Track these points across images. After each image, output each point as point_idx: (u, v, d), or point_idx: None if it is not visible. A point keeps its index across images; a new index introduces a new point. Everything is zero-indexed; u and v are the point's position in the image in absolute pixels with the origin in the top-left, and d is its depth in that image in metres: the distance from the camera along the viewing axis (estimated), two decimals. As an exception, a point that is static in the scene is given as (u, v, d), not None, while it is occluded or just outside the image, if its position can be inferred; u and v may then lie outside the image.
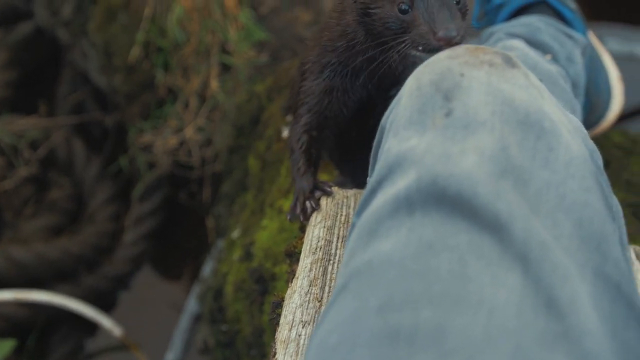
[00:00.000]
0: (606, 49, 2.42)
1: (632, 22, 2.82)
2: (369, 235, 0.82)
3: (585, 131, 0.99)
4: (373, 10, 1.10)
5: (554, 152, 0.83)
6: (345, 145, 1.34)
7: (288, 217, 1.25)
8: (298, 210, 1.23)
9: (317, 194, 1.23)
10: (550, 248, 0.75)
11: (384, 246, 0.79)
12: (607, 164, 1.68)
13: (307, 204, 1.22)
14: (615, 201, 0.95)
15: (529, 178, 0.80)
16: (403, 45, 1.06)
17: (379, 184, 0.87)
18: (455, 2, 1.06)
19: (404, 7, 1.05)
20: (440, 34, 1.01)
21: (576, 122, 0.97)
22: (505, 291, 0.71)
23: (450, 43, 1.01)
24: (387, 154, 0.88)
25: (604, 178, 0.93)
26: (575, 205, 0.81)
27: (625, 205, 1.63)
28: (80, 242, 2.29)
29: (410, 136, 0.86)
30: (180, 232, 2.50)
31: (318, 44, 1.25)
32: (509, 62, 0.90)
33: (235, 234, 1.82)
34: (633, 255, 1.25)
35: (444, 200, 0.78)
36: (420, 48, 1.05)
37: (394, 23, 1.07)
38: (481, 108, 0.83)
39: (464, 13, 1.09)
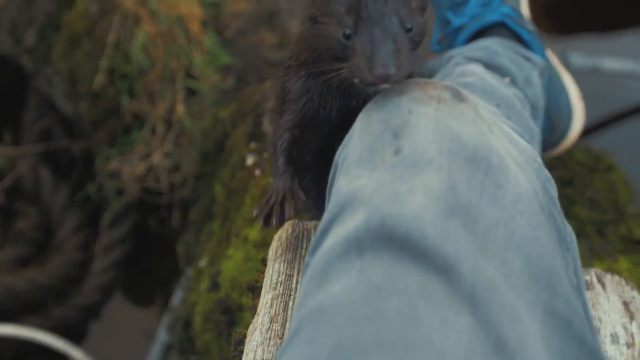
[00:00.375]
0: (570, 63, 2.44)
1: (596, 31, 2.85)
2: (320, 278, 0.81)
3: (540, 160, 0.99)
4: (320, 26, 1.04)
5: (502, 188, 0.83)
6: (326, 161, 1.23)
7: (254, 214, 1.21)
8: (264, 211, 1.19)
9: (290, 200, 1.17)
10: (499, 287, 0.75)
11: (334, 289, 0.78)
12: (571, 182, 1.70)
13: (275, 208, 1.18)
14: (569, 230, 0.95)
15: (477, 216, 0.80)
16: (341, 71, 1.00)
17: (330, 223, 0.86)
18: (405, 29, 0.99)
19: (347, 31, 0.98)
20: (377, 71, 0.93)
21: (529, 152, 0.97)
22: (454, 334, 0.71)
23: (387, 81, 0.93)
24: (337, 192, 0.87)
25: (556, 209, 0.93)
26: (524, 242, 0.81)
27: (589, 223, 1.65)
28: (48, 272, 2.26)
29: (360, 174, 0.86)
30: (150, 259, 2.48)
31: (298, 36, 1.18)
32: (458, 97, 0.90)
33: (203, 262, 1.80)
34: (594, 278, 1.25)
35: (392, 241, 0.77)
36: (356, 80, 0.97)
37: (337, 45, 1.01)
38: (429, 146, 0.83)
39: (416, 41, 1.02)
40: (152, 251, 2.49)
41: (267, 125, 1.67)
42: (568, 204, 1.65)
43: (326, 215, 0.88)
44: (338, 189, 0.88)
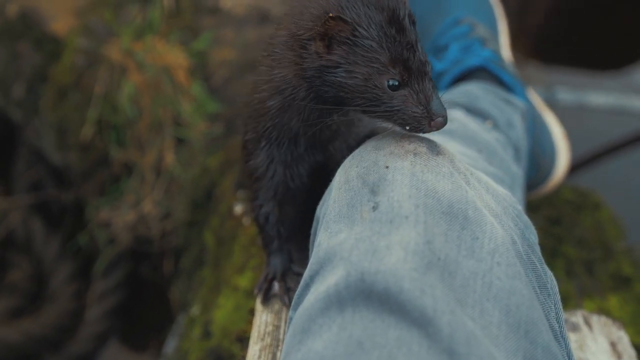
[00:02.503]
0: (557, 99, 2.47)
1: (582, 67, 2.88)
2: (302, 334, 0.82)
3: (519, 207, 1.01)
4: (343, 77, 0.99)
5: (478, 240, 0.84)
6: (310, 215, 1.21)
7: (254, 292, 1.23)
8: (261, 289, 1.21)
9: (288, 281, 1.20)
10: (477, 339, 0.76)
11: (316, 345, 0.79)
12: (558, 221, 1.71)
13: (275, 284, 1.20)
14: (549, 276, 0.96)
15: (455, 269, 0.81)
16: (382, 116, 0.98)
17: (312, 279, 0.87)
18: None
19: (392, 82, 0.97)
20: (438, 120, 0.95)
21: (508, 199, 0.99)
22: None
23: (441, 128, 0.96)
24: (318, 248, 0.88)
25: (536, 255, 0.94)
26: (502, 292, 0.82)
27: (578, 261, 1.65)
28: (42, 323, 2.26)
29: (339, 230, 0.87)
30: (143, 306, 2.47)
31: (250, 105, 1.15)
32: (434, 150, 0.91)
33: (195, 310, 1.80)
34: (581, 320, 1.25)
35: (372, 296, 0.78)
36: (407, 128, 0.96)
37: (375, 95, 0.98)
38: (405, 201, 0.84)
39: None
40: (145, 299, 2.48)
41: (238, 210, 1.67)
42: (556, 243, 1.66)
43: (307, 271, 0.89)
44: (318, 244, 0.89)
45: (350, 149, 1.03)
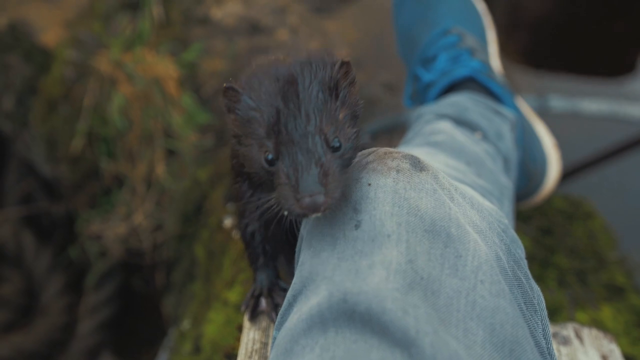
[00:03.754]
0: (550, 106, 2.46)
1: (573, 73, 2.88)
2: (285, 355, 0.81)
3: (506, 221, 0.99)
4: (243, 148, 0.94)
5: (462, 259, 0.83)
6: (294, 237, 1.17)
7: (241, 309, 1.22)
8: (248, 306, 1.20)
9: (275, 297, 1.17)
10: (461, 359, 0.75)
11: (299, 367, 0.78)
12: (550, 231, 1.70)
13: (262, 301, 1.19)
14: (536, 292, 0.95)
15: (438, 288, 0.80)
16: (270, 202, 0.90)
17: (295, 298, 0.86)
18: (332, 148, 0.89)
19: (269, 156, 0.89)
20: (304, 202, 0.83)
21: (495, 214, 0.98)
22: None
23: (316, 211, 0.84)
24: (301, 267, 0.87)
25: (522, 271, 0.93)
26: (486, 311, 0.81)
27: (570, 272, 1.64)
28: (33, 337, 2.24)
29: (322, 249, 0.86)
30: (135, 319, 2.46)
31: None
32: (417, 166, 0.90)
33: (186, 324, 1.79)
34: (572, 333, 1.24)
35: (354, 317, 0.77)
36: (285, 213, 0.87)
37: (260, 171, 0.91)
38: (387, 220, 0.83)
39: (346, 158, 0.91)
40: (137, 311, 2.47)
41: (227, 223, 1.66)
42: (548, 253, 1.65)
43: (290, 291, 0.88)
44: (301, 263, 0.88)
45: None
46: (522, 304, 0.88)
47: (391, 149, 0.94)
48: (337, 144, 0.89)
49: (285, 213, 0.87)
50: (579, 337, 1.24)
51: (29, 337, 2.25)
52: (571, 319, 1.53)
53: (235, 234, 1.60)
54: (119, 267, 2.34)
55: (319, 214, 0.84)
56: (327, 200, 0.83)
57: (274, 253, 1.18)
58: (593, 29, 2.94)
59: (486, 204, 0.99)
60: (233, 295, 1.57)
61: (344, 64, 0.92)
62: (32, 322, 2.33)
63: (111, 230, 2.18)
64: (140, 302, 2.44)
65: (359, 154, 0.96)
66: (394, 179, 0.87)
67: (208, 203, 1.83)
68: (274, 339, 0.90)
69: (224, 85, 0.92)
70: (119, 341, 2.43)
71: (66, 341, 2.32)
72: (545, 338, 0.90)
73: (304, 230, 0.95)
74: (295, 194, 0.84)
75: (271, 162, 0.89)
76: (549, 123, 1.74)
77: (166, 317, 2.17)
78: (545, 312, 0.95)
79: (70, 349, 2.30)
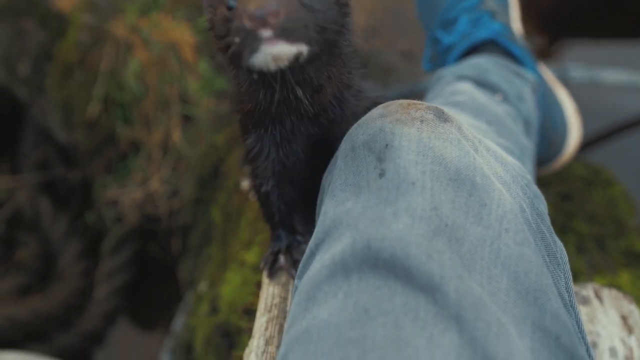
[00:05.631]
0: (570, 76, 2.44)
1: (593, 41, 2.85)
2: (308, 301, 0.81)
3: (529, 177, 0.99)
4: (211, 17, 0.86)
5: (486, 207, 0.83)
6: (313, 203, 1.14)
7: (260, 266, 1.23)
8: (267, 262, 1.20)
9: (294, 253, 1.17)
10: (485, 305, 0.74)
11: (321, 312, 0.78)
12: (569, 197, 1.69)
13: (281, 257, 1.19)
14: (559, 246, 0.94)
15: (462, 235, 0.80)
16: (235, 58, 0.82)
17: (317, 247, 0.86)
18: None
19: (230, 2, 0.81)
20: (250, 11, 0.74)
21: (517, 169, 0.97)
22: (441, 353, 0.71)
23: (264, 23, 0.75)
24: (324, 216, 0.87)
25: (545, 225, 0.92)
26: (510, 259, 0.80)
27: (589, 237, 1.64)
28: (50, 301, 2.26)
29: (346, 198, 0.86)
30: (151, 284, 2.47)
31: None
32: (441, 117, 0.90)
33: (202, 286, 1.80)
34: (592, 293, 1.24)
35: (378, 263, 0.77)
36: (245, 53, 0.78)
37: (223, 28, 0.83)
38: (412, 168, 0.82)
39: (322, 12, 0.84)
40: (154, 277, 2.48)
41: (245, 185, 1.66)
42: (567, 218, 1.64)
43: (313, 239, 0.88)
44: (324, 213, 0.88)
45: (349, 120, 1.00)
46: (546, 256, 0.88)
47: (414, 101, 0.94)
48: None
49: (246, 54, 0.79)
50: (598, 297, 1.23)
51: (47, 301, 2.26)
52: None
53: (252, 196, 1.60)
54: (135, 233, 2.35)
55: (270, 34, 0.76)
56: (279, 13, 0.75)
57: (291, 210, 1.18)
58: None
59: (509, 158, 0.99)
60: (250, 256, 1.57)
61: None
62: (49, 286, 2.35)
63: (127, 196, 2.19)
64: (157, 268, 2.45)
65: (380, 105, 0.95)
66: (417, 128, 0.87)
67: (225, 166, 1.83)
68: (296, 288, 0.90)
69: None
70: (136, 306, 2.45)
71: (83, 305, 2.34)
72: (567, 291, 0.90)
73: (326, 181, 0.95)
74: (244, 12, 0.76)
75: (231, 8, 0.81)
76: (570, 90, 1.73)
77: (182, 283, 2.18)
78: (568, 267, 0.95)
79: (87, 313, 2.31)
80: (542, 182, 1.68)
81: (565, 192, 1.70)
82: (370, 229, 0.79)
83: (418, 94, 2.09)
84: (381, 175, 0.84)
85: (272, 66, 0.82)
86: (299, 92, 0.93)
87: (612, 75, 2.52)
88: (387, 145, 0.85)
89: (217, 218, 1.82)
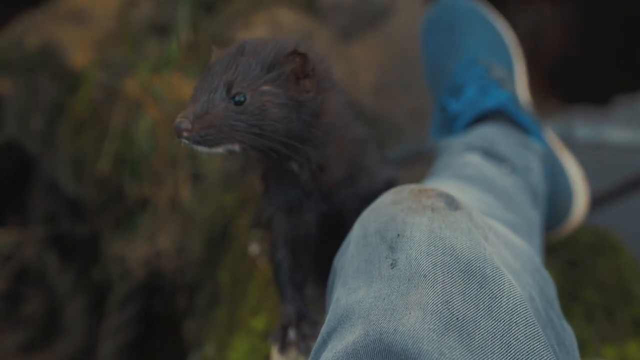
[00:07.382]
0: (576, 135, 2.45)
1: (598, 101, 2.87)
2: (320, 393, 0.81)
3: (538, 260, 1.00)
4: None
5: (497, 300, 0.83)
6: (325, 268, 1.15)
7: (270, 340, 1.21)
8: (277, 338, 1.19)
9: (304, 327, 1.15)
10: None
11: (335, 405, 0.78)
12: (576, 264, 1.69)
13: (291, 332, 1.19)
14: (568, 332, 0.94)
15: (473, 329, 0.80)
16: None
17: (329, 335, 0.86)
18: (234, 100, 0.92)
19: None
20: (175, 122, 0.91)
21: (527, 253, 0.98)
22: None
23: (180, 135, 0.90)
24: (336, 304, 0.88)
25: (554, 311, 0.92)
26: (520, 354, 0.80)
27: (597, 306, 1.63)
28: (54, 358, 2.25)
29: (358, 286, 0.86)
30: (157, 342, 2.46)
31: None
32: (452, 205, 0.91)
33: (210, 349, 1.79)
34: (601, 368, 1.23)
35: (390, 356, 0.77)
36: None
37: None
38: (423, 260, 0.83)
39: (249, 116, 0.92)
40: (159, 334, 2.47)
41: (253, 250, 1.66)
42: (575, 286, 1.64)
43: (325, 327, 0.88)
44: (337, 300, 0.88)
45: (363, 202, 1.02)
46: (555, 345, 0.88)
47: (425, 187, 0.94)
48: (242, 99, 0.92)
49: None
50: (608, 375, 1.23)
51: (51, 358, 2.25)
52: (597, 353, 1.52)
53: (262, 260, 1.60)
54: (141, 289, 2.35)
55: (184, 140, 0.90)
56: (191, 129, 0.89)
57: (302, 282, 1.18)
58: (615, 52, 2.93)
59: (518, 241, 0.99)
60: (259, 323, 1.57)
61: (299, 55, 0.95)
62: (54, 342, 2.34)
63: (134, 251, 2.19)
64: (162, 325, 2.44)
65: (392, 190, 0.96)
66: (429, 217, 0.88)
67: (233, 228, 1.84)
68: (306, 375, 0.90)
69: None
70: (140, 364, 2.43)
71: (88, 362, 2.33)
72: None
73: (338, 263, 0.96)
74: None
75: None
76: (574, 153, 1.74)
77: (187, 341, 2.17)
78: (577, 353, 0.95)
79: (92, 370, 2.31)
80: (549, 249, 1.68)
81: (572, 259, 1.71)
82: (382, 322, 0.79)
83: (424, 154, 2.10)
84: (393, 265, 0.84)
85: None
86: (295, 167, 1.02)
87: (618, 134, 2.53)
88: (398, 235, 0.86)
89: (225, 281, 1.82)
